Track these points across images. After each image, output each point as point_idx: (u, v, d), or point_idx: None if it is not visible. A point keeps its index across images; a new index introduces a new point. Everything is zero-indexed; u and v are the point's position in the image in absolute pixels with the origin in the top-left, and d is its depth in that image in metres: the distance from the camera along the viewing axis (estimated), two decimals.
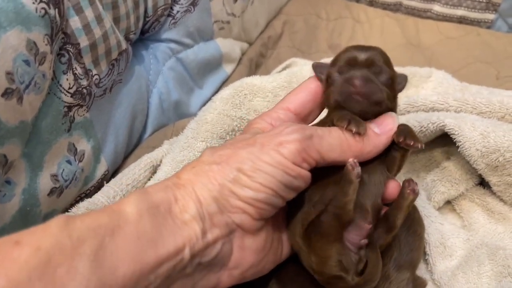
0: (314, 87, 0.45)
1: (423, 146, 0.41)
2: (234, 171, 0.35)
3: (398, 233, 0.49)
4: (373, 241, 0.42)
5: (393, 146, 0.43)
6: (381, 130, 0.41)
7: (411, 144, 0.40)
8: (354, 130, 0.39)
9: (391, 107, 0.43)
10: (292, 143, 0.36)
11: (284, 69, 0.80)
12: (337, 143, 0.38)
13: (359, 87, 0.40)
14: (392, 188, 0.43)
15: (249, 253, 0.37)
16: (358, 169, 0.38)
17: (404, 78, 0.46)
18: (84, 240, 0.28)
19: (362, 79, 0.40)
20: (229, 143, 0.38)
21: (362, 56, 0.42)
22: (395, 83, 0.44)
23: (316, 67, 0.45)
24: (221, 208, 0.35)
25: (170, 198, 0.33)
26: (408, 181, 0.42)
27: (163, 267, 0.31)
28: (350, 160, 0.38)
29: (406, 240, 0.49)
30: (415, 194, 0.42)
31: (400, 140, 0.41)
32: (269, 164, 0.35)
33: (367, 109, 0.41)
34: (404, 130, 0.42)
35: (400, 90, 0.46)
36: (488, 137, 0.52)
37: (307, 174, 0.37)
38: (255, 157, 0.36)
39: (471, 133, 0.53)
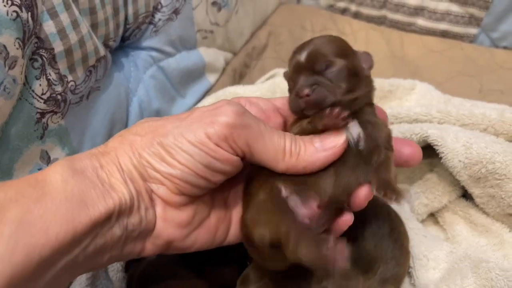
0: None
1: (405, 197, 0.40)
2: (155, 144, 0.35)
3: (385, 246, 0.49)
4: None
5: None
6: (322, 147, 0.39)
7: (392, 199, 0.38)
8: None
9: (363, 93, 0.41)
10: (221, 126, 0.35)
11: (268, 79, 0.80)
12: (273, 149, 0.37)
13: (306, 100, 0.38)
14: (359, 191, 0.40)
15: (172, 226, 0.37)
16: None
17: (367, 56, 0.43)
18: (7, 209, 0.28)
19: (306, 89, 0.38)
20: (168, 116, 0.38)
21: (302, 57, 0.39)
22: (356, 68, 0.41)
23: (285, 74, 0.44)
24: (142, 177, 0.35)
25: (96, 164, 0.34)
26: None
27: (97, 228, 0.31)
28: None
29: (392, 254, 0.48)
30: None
31: (382, 195, 0.38)
32: (190, 143, 0.35)
33: (326, 107, 0.39)
34: (383, 183, 0.39)
35: (370, 69, 0.43)
36: (470, 148, 0.52)
37: (233, 159, 0.36)
38: (178, 133, 0.35)
39: (453, 144, 0.53)
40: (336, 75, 0.39)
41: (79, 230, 0.30)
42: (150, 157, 0.35)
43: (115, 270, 0.50)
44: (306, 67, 0.39)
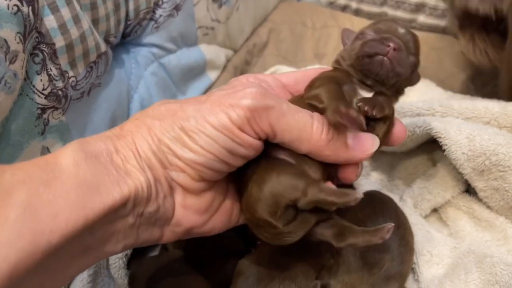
0: (314, 73, 0.42)
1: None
2: (176, 129, 0.33)
3: (391, 243, 0.48)
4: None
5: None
6: (354, 145, 0.37)
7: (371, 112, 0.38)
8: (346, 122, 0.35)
9: (399, 90, 0.43)
10: (243, 109, 0.33)
11: None
12: (298, 127, 0.35)
13: (391, 50, 0.38)
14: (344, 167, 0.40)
15: (192, 213, 0.36)
16: (355, 201, 0.35)
17: (418, 76, 0.45)
18: (14, 192, 0.27)
19: (399, 45, 0.38)
20: (184, 99, 0.37)
21: (402, 31, 0.40)
22: (414, 73, 0.43)
23: (345, 32, 0.44)
24: (161, 163, 0.34)
25: (110, 148, 0.32)
26: (389, 229, 0.40)
27: (109, 215, 0.30)
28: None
29: (398, 251, 0.48)
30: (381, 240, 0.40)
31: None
32: (213, 127, 0.33)
33: (383, 77, 0.39)
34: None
35: (412, 84, 0.45)
36: (474, 141, 0.52)
37: (256, 143, 0.34)
38: (200, 116, 0.33)
39: (457, 137, 0.53)
40: (411, 64, 0.41)
41: (91, 217, 0.28)
42: (171, 142, 0.33)
43: (117, 267, 0.49)
44: (401, 38, 0.40)
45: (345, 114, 0.35)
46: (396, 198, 0.58)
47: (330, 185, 0.39)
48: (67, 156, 0.30)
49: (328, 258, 0.48)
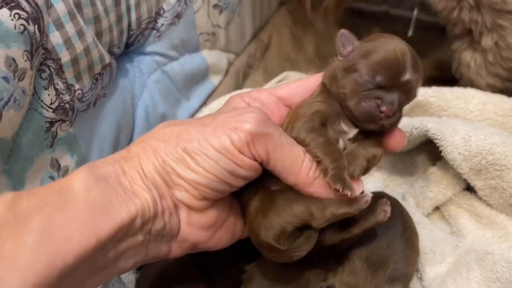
0: (309, 84, 0.43)
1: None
2: (179, 150, 0.35)
3: (397, 245, 0.49)
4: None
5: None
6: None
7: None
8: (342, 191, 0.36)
9: None
10: (244, 132, 0.35)
11: (277, 82, 0.81)
12: (291, 160, 0.37)
13: (385, 116, 0.37)
14: None
15: (197, 229, 0.38)
16: (366, 204, 0.37)
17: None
18: (31, 218, 0.29)
19: (393, 109, 0.37)
20: (189, 120, 0.39)
21: (407, 77, 0.37)
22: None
23: (342, 36, 0.40)
24: (165, 183, 0.35)
25: (118, 171, 0.34)
26: (386, 202, 0.40)
27: (119, 234, 0.32)
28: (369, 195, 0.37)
29: (403, 254, 0.49)
30: (385, 217, 0.40)
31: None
32: (215, 149, 0.35)
33: (372, 130, 0.39)
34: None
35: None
36: (469, 141, 0.53)
37: (255, 165, 0.36)
38: (203, 139, 0.35)
39: (453, 138, 0.54)
40: (404, 104, 0.39)
41: (102, 237, 0.30)
42: (174, 164, 0.35)
43: (127, 273, 0.51)
44: (401, 86, 0.37)
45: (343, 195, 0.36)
46: (398, 198, 0.59)
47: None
48: (78, 181, 0.32)
49: (334, 260, 0.49)
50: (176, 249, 0.38)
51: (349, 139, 0.40)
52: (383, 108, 0.36)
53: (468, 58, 0.67)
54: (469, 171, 0.55)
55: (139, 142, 0.37)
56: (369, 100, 0.37)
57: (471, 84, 0.67)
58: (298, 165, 0.37)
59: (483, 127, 0.55)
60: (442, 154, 0.56)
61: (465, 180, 0.59)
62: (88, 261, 0.30)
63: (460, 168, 0.55)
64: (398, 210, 0.54)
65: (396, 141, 0.41)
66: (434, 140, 0.56)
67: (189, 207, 0.37)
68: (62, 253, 0.28)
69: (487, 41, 0.63)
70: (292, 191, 0.39)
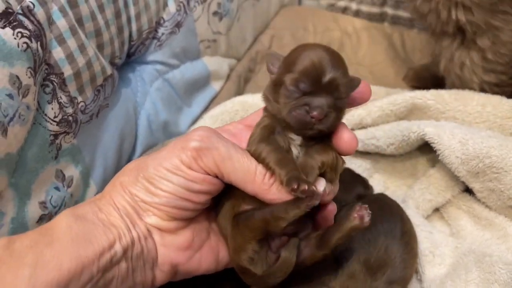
0: None
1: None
2: (140, 179, 0.39)
3: (396, 248, 0.50)
4: (295, 242, 0.41)
5: None
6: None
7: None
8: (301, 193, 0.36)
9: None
10: (190, 150, 0.38)
11: None
12: (243, 170, 0.38)
13: (317, 120, 0.38)
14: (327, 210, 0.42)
15: (173, 251, 0.40)
16: (315, 202, 0.37)
17: (356, 82, 0.41)
18: (25, 255, 0.33)
19: (323, 112, 0.37)
20: (152, 153, 0.42)
21: (327, 78, 0.38)
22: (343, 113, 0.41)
23: (269, 56, 0.42)
24: (135, 211, 0.39)
25: (95, 209, 0.38)
26: (360, 207, 0.39)
27: (101, 260, 0.35)
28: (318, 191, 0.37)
29: (402, 258, 0.50)
30: (362, 222, 0.39)
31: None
32: (168, 170, 0.38)
33: (313, 135, 0.39)
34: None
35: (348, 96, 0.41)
36: (466, 144, 0.54)
37: (208, 178, 0.39)
38: (157, 164, 0.39)
39: (450, 141, 0.55)
40: (341, 105, 0.39)
41: (87, 263, 0.34)
42: (138, 192, 0.39)
43: None
44: (325, 88, 0.38)
45: (302, 191, 0.36)
46: (398, 200, 0.60)
47: None
48: (61, 221, 0.36)
49: (333, 263, 0.49)
50: (159, 275, 0.40)
51: (300, 145, 0.41)
52: (314, 113, 0.38)
53: (463, 57, 0.67)
54: (467, 174, 0.55)
55: (110, 183, 0.41)
56: (298, 108, 0.38)
57: (461, 81, 0.68)
58: (251, 174, 0.38)
59: (480, 130, 0.56)
60: (439, 158, 0.56)
61: (463, 182, 0.59)
62: (77, 282, 0.34)
63: (458, 172, 0.56)
64: (397, 213, 0.55)
65: (345, 143, 0.40)
66: (431, 144, 0.57)
67: (161, 230, 0.40)
68: (55, 281, 0.32)
69: (483, 40, 0.64)
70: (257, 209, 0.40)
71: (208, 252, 0.42)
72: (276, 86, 0.41)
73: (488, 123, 0.61)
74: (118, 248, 0.37)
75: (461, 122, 0.62)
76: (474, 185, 0.56)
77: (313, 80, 0.38)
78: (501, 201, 0.55)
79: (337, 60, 0.39)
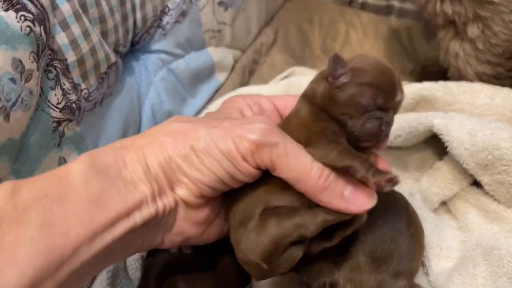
0: None
1: None
2: (187, 148, 0.36)
3: (401, 241, 0.49)
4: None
5: None
6: (352, 201, 0.38)
7: None
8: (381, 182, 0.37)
9: None
10: (249, 142, 0.36)
11: (283, 79, 0.81)
12: (298, 168, 0.37)
13: (383, 134, 0.40)
14: None
15: (191, 225, 0.39)
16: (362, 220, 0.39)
17: None
18: (31, 210, 0.29)
19: (391, 128, 0.41)
20: (197, 118, 0.39)
21: (398, 98, 0.41)
22: None
23: (335, 59, 0.40)
24: (168, 179, 0.36)
25: (119, 163, 0.34)
26: None
27: (116, 228, 0.32)
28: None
29: (408, 250, 0.49)
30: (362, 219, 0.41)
31: None
32: (220, 151, 0.36)
33: (365, 146, 0.41)
34: None
35: None
36: (476, 136, 0.53)
37: (255, 173, 0.37)
38: (211, 140, 0.36)
39: (459, 133, 0.54)
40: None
41: (99, 230, 0.31)
42: (181, 161, 0.36)
43: (134, 269, 0.51)
44: (392, 105, 0.41)
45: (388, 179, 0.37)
46: (405, 193, 0.59)
47: None
48: (78, 173, 0.32)
49: (338, 255, 0.49)
50: (168, 241, 0.39)
51: None
52: (383, 128, 0.40)
53: (456, 48, 0.67)
54: (475, 166, 0.54)
55: (147, 135, 0.38)
56: (373, 121, 0.40)
57: (459, 72, 0.68)
58: (305, 173, 0.37)
59: (489, 122, 0.55)
60: (448, 149, 0.55)
61: (471, 175, 0.59)
62: (85, 251, 0.31)
63: (466, 164, 0.55)
64: (403, 205, 0.54)
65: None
66: (439, 136, 0.56)
67: (187, 204, 0.38)
68: (60, 247, 0.29)
69: (472, 30, 0.64)
70: (285, 208, 0.39)
71: (216, 227, 0.42)
72: (342, 92, 0.41)
73: (497, 115, 0.60)
74: (138, 218, 0.34)
75: (470, 114, 0.61)
76: (483, 178, 0.55)
77: (390, 98, 0.41)
78: (510, 194, 0.54)
79: (400, 81, 0.43)
